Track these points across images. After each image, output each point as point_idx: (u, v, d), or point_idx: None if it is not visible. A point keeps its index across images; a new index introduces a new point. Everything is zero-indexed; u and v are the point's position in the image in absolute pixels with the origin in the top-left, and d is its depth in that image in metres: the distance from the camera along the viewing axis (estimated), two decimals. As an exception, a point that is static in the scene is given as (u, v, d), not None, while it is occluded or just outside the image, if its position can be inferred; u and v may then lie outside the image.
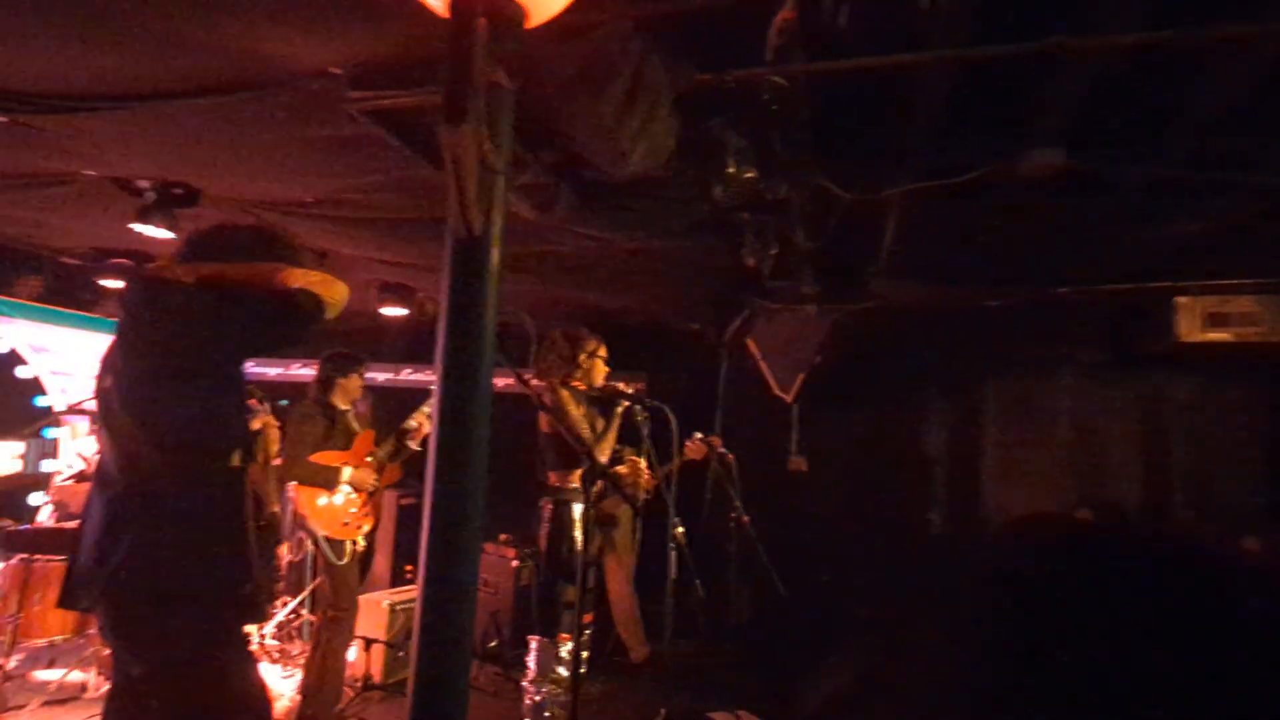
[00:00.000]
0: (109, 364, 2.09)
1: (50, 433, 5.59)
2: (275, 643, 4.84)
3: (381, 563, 5.65)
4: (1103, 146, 2.70)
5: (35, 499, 5.40)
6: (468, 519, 1.11)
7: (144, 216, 3.46)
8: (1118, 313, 4.84)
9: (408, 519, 5.64)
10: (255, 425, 2.50)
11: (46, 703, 3.84)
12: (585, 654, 3.23)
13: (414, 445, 4.09)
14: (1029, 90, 2.42)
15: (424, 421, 4.10)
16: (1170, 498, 4.96)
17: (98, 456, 2.12)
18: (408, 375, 6.56)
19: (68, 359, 5.81)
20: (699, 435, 4.05)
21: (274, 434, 2.76)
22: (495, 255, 1.10)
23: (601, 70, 2.10)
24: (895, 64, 2.16)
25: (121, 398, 2.01)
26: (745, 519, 3.95)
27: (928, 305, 4.86)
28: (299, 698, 3.74)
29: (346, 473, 3.86)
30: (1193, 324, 4.24)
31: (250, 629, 2.87)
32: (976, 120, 2.61)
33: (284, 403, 4.02)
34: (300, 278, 2.17)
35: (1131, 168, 2.83)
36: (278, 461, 3.96)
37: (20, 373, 5.51)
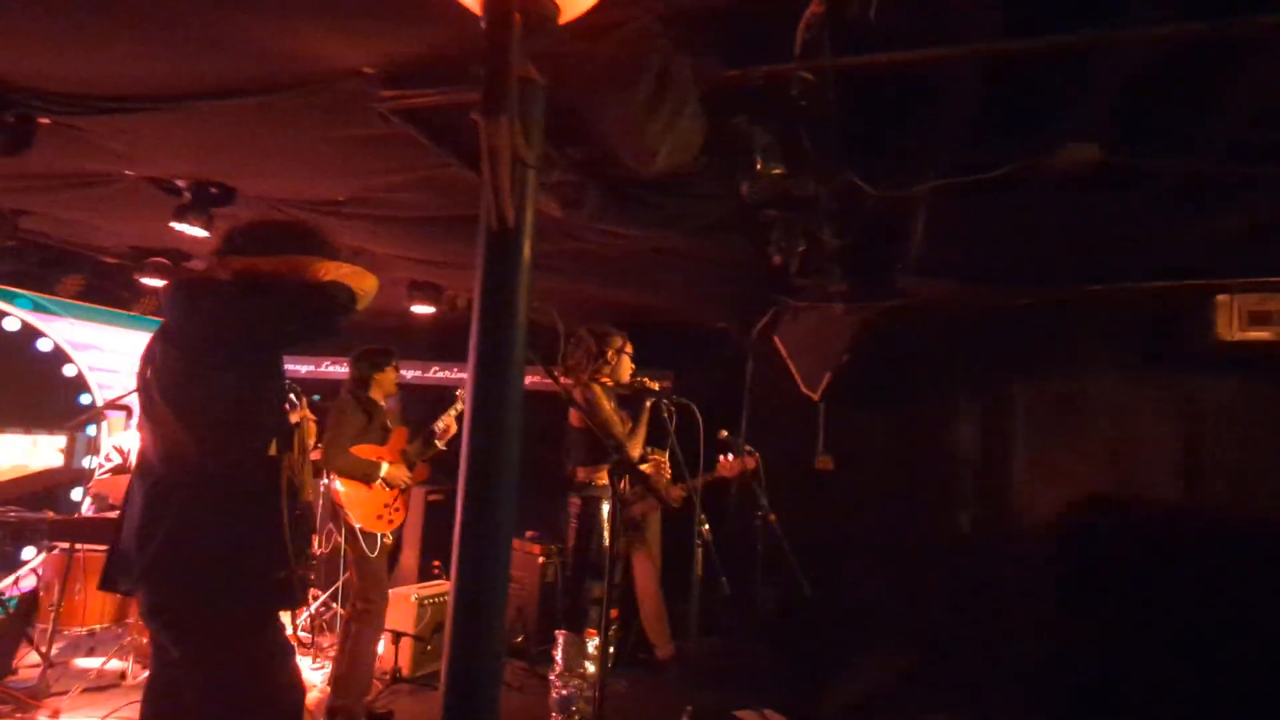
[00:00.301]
0: (150, 357, 2.14)
1: (91, 429, 5.72)
2: (306, 634, 4.92)
3: (410, 558, 5.71)
4: (1138, 141, 2.65)
5: (77, 494, 5.54)
6: (500, 517, 1.12)
7: (181, 215, 3.52)
8: (1154, 311, 4.73)
9: (435, 515, 5.70)
10: (294, 418, 2.55)
11: (86, 689, 3.93)
12: (611, 650, 3.24)
13: (441, 445, 4.22)
14: (1062, 84, 2.38)
15: (451, 423, 4.24)
16: (1209, 500, 4.85)
17: (139, 447, 2.18)
18: (436, 373, 6.62)
19: (108, 356, 5.96)
20: (724, 433, 4.05)
21: (311, 427, 2.82)
22: (527, 248, 1.12)
23: (628, 67, 2.11)
24: (925, 58, 2.14)
25: (162, 389, 2.07)
26: (772, 517, 3.93)
27: (957, 303, 4.80)
28: (329, 689, 3.80)
29: (384, 467, 3.92)
30: (1232, 322, 4.14)
31: (285, 617, 2.92)
32: (1007, 115, 2.58)
33: (317, 398, 4.12)
34: (332, 270, 2.21)
35: (1168, 162, 2.77)
36: (315, 454, 4.06)
37: (67, 371, 5.66)
